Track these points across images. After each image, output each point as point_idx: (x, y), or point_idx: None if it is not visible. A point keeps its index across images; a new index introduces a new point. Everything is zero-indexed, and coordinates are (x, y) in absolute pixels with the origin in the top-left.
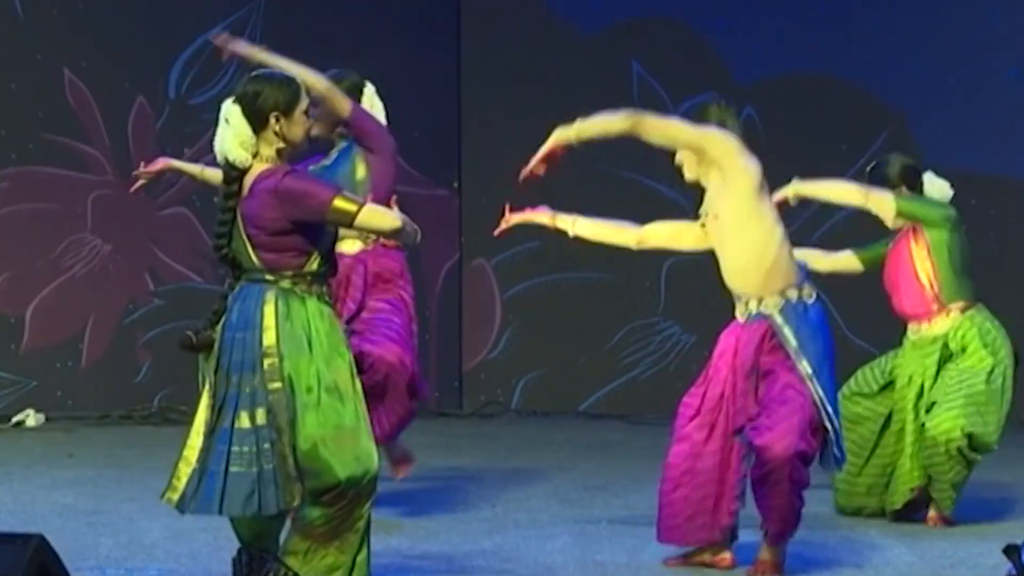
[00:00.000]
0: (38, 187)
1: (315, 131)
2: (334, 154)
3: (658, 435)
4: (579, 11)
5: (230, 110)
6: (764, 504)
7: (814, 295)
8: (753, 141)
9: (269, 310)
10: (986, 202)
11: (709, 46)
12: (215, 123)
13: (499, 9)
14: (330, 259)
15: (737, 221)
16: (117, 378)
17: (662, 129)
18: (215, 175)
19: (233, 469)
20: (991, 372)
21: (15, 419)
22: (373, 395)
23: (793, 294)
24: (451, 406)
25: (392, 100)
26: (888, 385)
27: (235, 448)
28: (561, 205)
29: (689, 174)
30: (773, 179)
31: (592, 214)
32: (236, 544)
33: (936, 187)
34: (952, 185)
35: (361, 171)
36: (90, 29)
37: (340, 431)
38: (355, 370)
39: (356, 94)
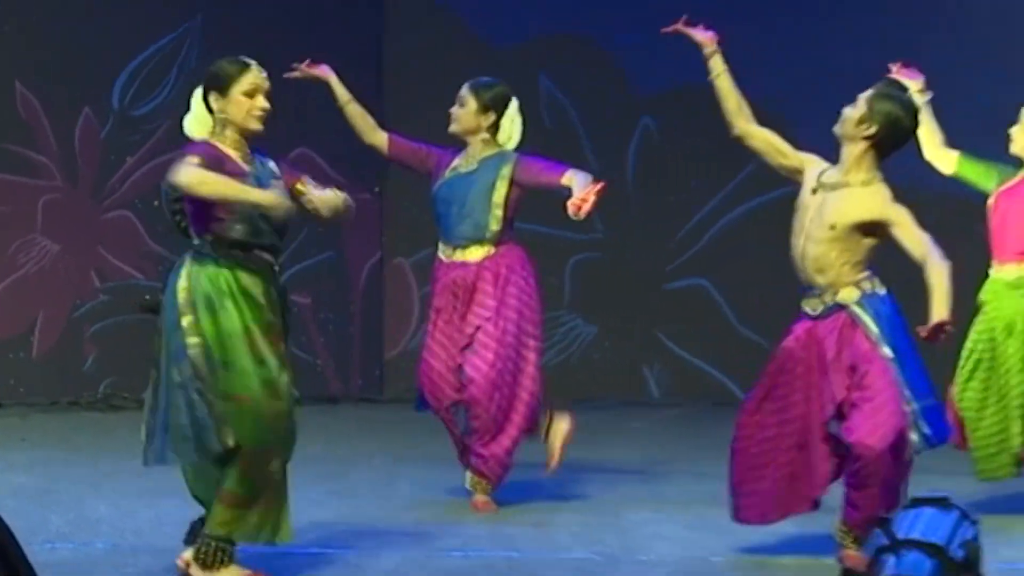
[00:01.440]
0: None
1: None
2: None
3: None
4: (494, 28)
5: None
6: (857, 501)
7: (884, 287)
8: (652, 148)
9: (184, 272)
10: None
11: (612, 61)
12: (156, 132)
13: (420, 25)
14: (257, 228)
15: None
16: (66, 368)
17: None
18: (356, 112)
19: (173, 420)
20: None
21: None
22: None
23: (868, 286)
24: (373, 393)
25: (320, 113)
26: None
27: (172, 400)
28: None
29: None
30: (670, 180)
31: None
32: (177, 521)
33: None
34: None
35: None
36: (39, 45)
37: (244, 394)
38: (280, 336)
39: (501, 106)
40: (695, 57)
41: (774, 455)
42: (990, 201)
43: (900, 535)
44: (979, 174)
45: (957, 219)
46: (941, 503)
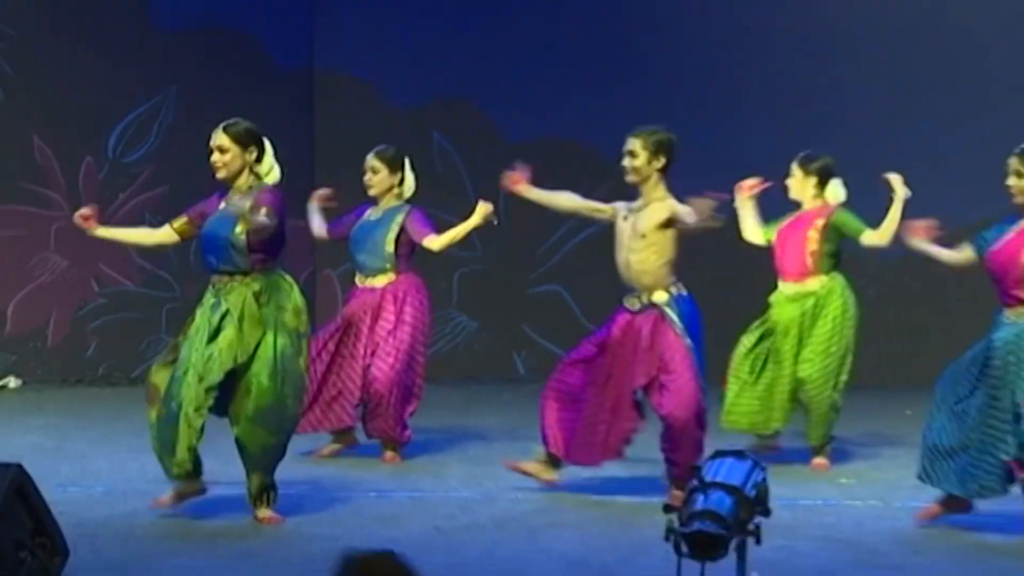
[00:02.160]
0: (15, 219)
1: None
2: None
3: (451, 394)
4: (398, 96)
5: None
6: (673, 458)
7: (686, 290)
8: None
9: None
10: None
11: (487, 119)
12: (141, 175)
13: (343, 95)
14: (205, 259)
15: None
16: (73, 354)
17: None
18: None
19: None
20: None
21: (1, 383)
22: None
23: (674, 289)
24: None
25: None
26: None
27: None
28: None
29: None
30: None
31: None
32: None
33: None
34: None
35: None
36: (52, 108)
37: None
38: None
39: (401, 165)
40: (549, 116)
41: (579, 413)
42: (774, 237)
43: (707, 479)
44: (768, 233)
45: (752, 253)
46: (738, 454)
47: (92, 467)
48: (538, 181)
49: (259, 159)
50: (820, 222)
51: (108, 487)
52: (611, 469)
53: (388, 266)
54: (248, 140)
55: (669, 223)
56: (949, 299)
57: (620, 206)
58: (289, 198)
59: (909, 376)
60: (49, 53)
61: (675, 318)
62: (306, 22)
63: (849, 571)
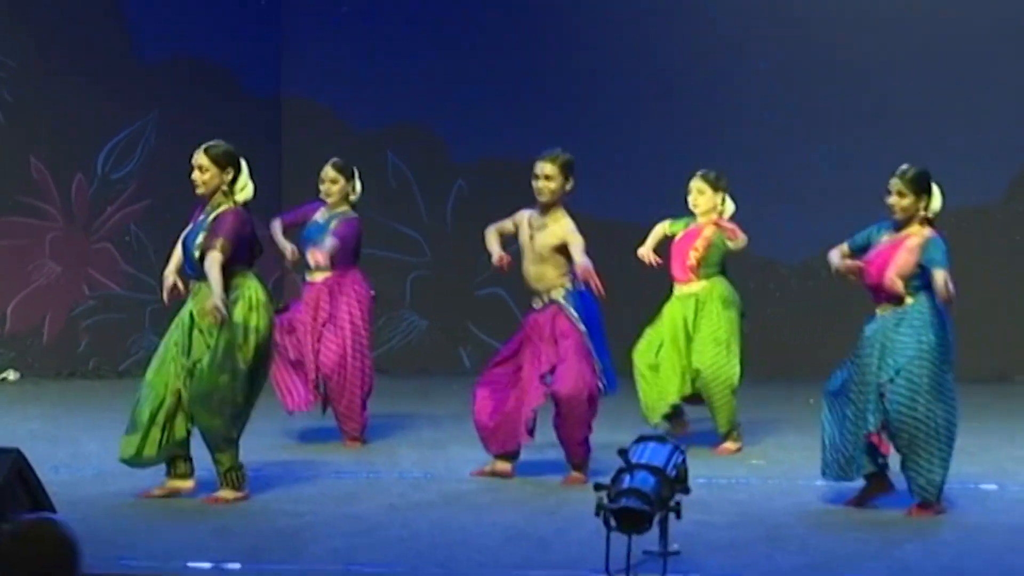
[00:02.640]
0: (14, 230)
1: None
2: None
3: (404, 385)
4: (357, 119)
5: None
6: (566, 438)
7: (580, 285)
8: (463, 200)
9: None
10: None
11: (437, 140)
12: (127, 190)
13: (307, 119)
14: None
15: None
16: (66, 350)
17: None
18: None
19: None
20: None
21: (1, 376)
22: None
23: (569, 286)
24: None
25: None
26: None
27: None
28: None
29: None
30: (476, 222)
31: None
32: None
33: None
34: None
35: None
36: (47, 131)
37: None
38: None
39: (352, 175)
40: (491, 138)
41: (505, 399)
42: (679, 233)
43: (633, 460)
44: (674, 227)
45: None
46: (660, 439)
47: (83, 451)
48: (482, 196)
49: (235, 179)
50: (707, 234)
51: (98, 469)
52: (548, 453)
53: (328, 264)
54: (226, 161)
55: (562, 248)
56: (850, 297)
57: (524, 217)
58: (259, 211)
59: (813, 367)
60: (44, 82)
61: (571, 310)
62: (274, 54)
63: (760, 543)
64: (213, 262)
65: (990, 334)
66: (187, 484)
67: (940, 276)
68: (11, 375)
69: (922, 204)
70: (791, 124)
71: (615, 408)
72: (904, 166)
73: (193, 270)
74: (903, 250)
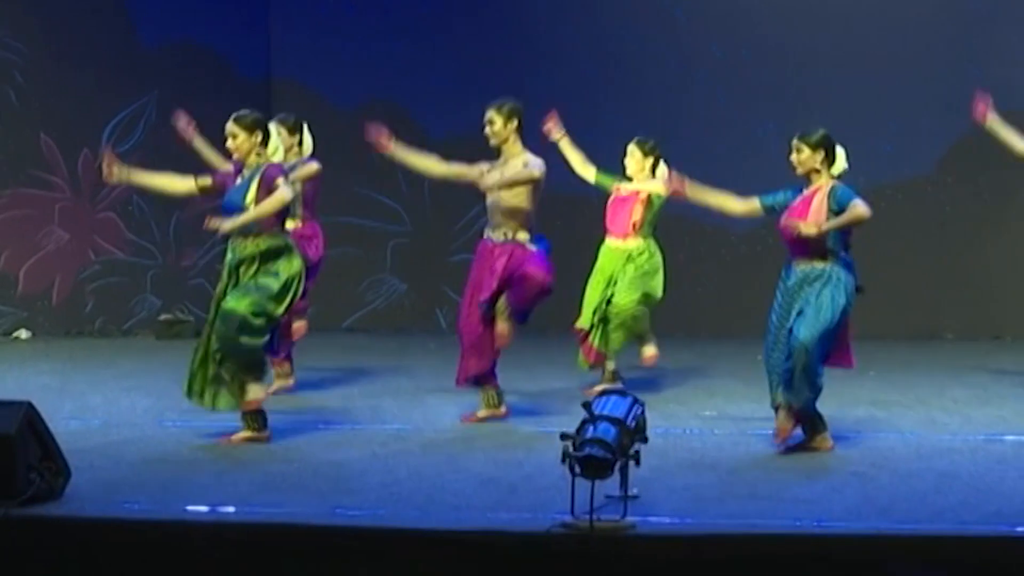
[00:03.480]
0: (27, 200)
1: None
2: None
3: (385, 343)
4: (340, 97)
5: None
6: (512, 297)
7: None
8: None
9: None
10: (572, 218)
11: (411, 117)
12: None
13: (296, 98)
14: None
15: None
16: (73, 311)
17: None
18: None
19: None
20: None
21: (14, 335)
22: None
23: (532, 233)
24: None
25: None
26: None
27: None
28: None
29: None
30: (451, 193)
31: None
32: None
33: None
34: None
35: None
36: (56, 109)
37: None
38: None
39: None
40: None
41: (469, 334)
42: (611, 199)
43: (596, 412)
44: (607, 183)
45: (587, 213)
46: (621, 393)
47: (90, 404)
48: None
49: (264, 142)
50: (644, 197)
51: (103, 420)
52: (519, 405)
53: (297, 213)
54: (254, 126)
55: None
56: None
57: (484, 165)
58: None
59: (760, 327)
60: (54, 65)
61: (533, 248)
62: (264, 39)
63: (712, 487)
64: (280, 197)
65: (922, 296)
66: (263, 434)
67: (858, 204)
68: (23, 334)
69: (819, 158)
70: (740, 103)
71: (574, 360)
72: (806, 130)
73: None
74: (815, 203)
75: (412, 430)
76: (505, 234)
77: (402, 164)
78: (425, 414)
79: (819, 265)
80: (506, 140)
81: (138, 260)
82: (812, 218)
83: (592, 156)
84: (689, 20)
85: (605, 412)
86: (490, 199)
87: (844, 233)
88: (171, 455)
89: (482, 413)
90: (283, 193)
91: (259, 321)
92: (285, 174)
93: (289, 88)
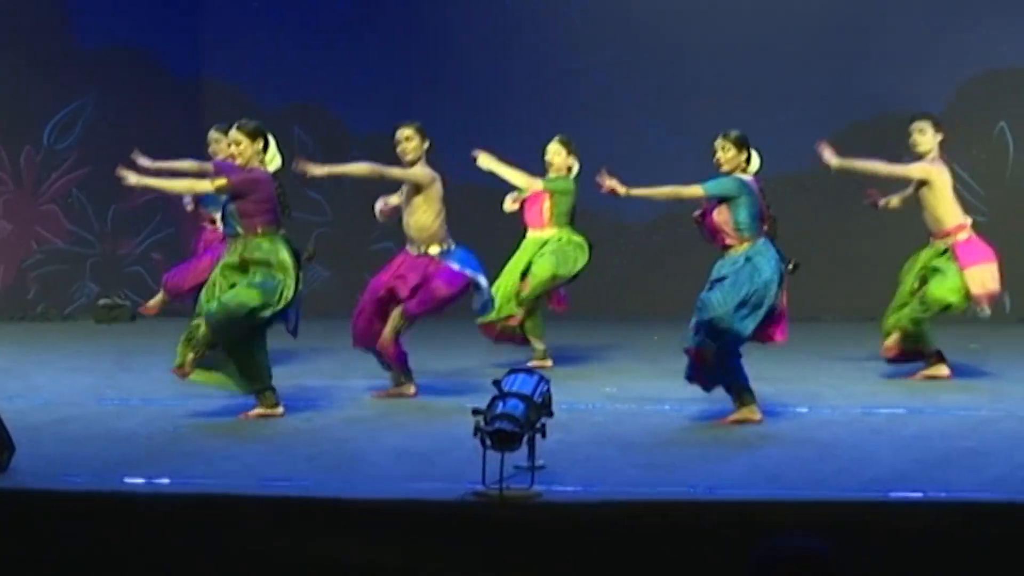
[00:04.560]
0: None
1: None
2: None
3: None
4: (267, 96)
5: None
6: (417, 305)
7: (453, 244)
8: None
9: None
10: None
11: (333, 116)
12: (68, 159)
13: (225, 97)
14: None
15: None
16: (17, 297)
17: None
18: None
19: None
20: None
21: None
22: None
23: (444, 245)
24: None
25: (172, 156)
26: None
27: None
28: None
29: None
30: (370, 184)
31: None
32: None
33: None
34: (457, 195)
35: None
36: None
37: None
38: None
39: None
40: (383, 115)
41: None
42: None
43: (505, 389)
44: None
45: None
46: (529, 371)
47: (34, 383)
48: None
49: (265, 149)
50: (555, 188)
51: (47, 399)
52: (433, 382)
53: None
54: (256, 133)
55: (418, 188)
56: (687, 249)
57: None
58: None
59: (660, 309)
60: None
61: (445, 263)
62: (195, 40)
63: (612, 458)
64: (200, 183)
65: (805, 281)
66: (277, 410)
67: (691, 187)
68: None
69: (743, 157)
70: (636, 101)
71: (490, 342)
72: (727, 130)
73: (228, 227)
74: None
75: (334, 407)
76: (419, 248)
77: (333, 177)
78: (346, 391)
79: (739, 250)
80: (419, 159)
81: (78, 249)
82: (719, 215)
83: (499, 151)
84: (586, 21)
85: (514, 389)
86: (403, 216)
87: (752, 218)
88: (110, 431)
89: (392, 391)
90: (202, 184)
91: (249, 315)
92: (254, 180)
93: (220, 88)
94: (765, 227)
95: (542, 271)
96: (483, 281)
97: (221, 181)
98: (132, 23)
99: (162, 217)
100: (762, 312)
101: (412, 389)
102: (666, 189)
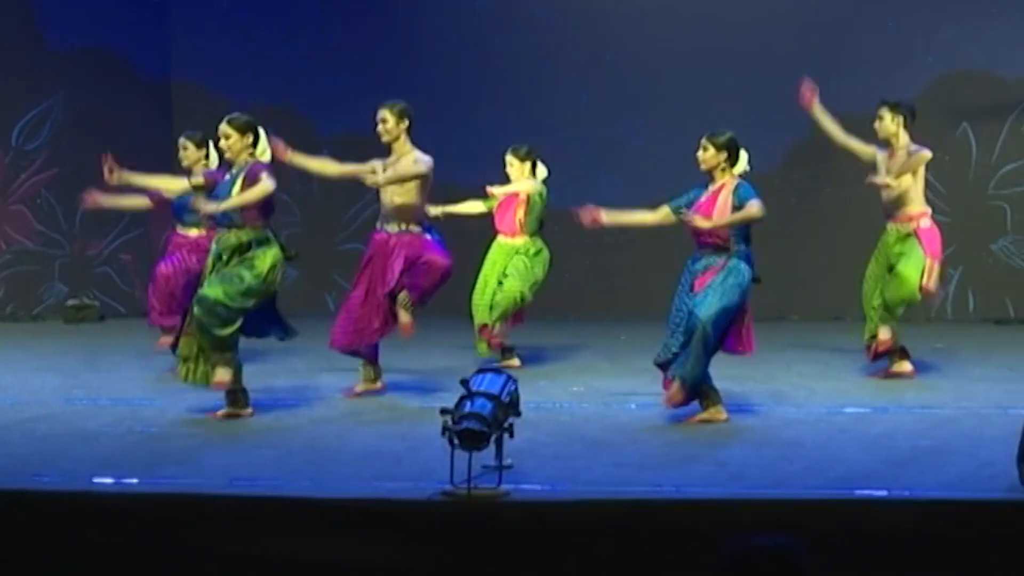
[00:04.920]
0: None
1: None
2: None
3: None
4: (236, 97)
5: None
6: (420, 284)
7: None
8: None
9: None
10: None
11: (303, 115)
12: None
13: (195, 99)
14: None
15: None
16: None
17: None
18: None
19: None
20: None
21: None
22: None
23: (425, 224)
24: None
25: (144, 162)
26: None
27: None
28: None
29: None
30: (340, 186)
31: None
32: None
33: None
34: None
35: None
36: None
37: None
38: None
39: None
40: (352, 116)
41: (358, 311)
42: (495, 205)
43: (473, 388)
44: (489, 203)
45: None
46: (497, 371)
47: (2, 383)
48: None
49: (255, 143)
50: (523, 197)
51: (15, 399)
52: (402, 382)
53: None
54: (245, 128)
55: (415, 176)
56: (653, 247)
57: (377, 163)
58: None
59: (626, 308)
60: None
61: (428, 236)
62: (165, 42)
63: (578, 455)
64: (263, 187)
65: (770, 281)
66: (246, 411)
67: (754, 204)
68: None
69: (722, 157)
70: (604, 104)
71: (458, 341)
72: (714, 131)
73: (225, 219)
74: (720, 199)
75: (303, 405)
76: (399, 226)
77: (301, 168)
78: (316, 390)
79: (721, 256)
80: (397, 138)
81: (47, 250)
82: (718, 213)
83: (469, 151)
84: (556, 24)
85: (481, 388)
86: (383, 195)
87: (743, 227)
88: (78, 431)
89: (360, 388)
90: (266, 184)
91: (229, 309)
92: (270, 169)
93: (189, 89)
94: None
95: (512, 287)
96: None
97: (198, 179)
98: (100, 24)
99: (131, 218)
100: (732, 324)
101: (380, 384)
102: (738, 215)
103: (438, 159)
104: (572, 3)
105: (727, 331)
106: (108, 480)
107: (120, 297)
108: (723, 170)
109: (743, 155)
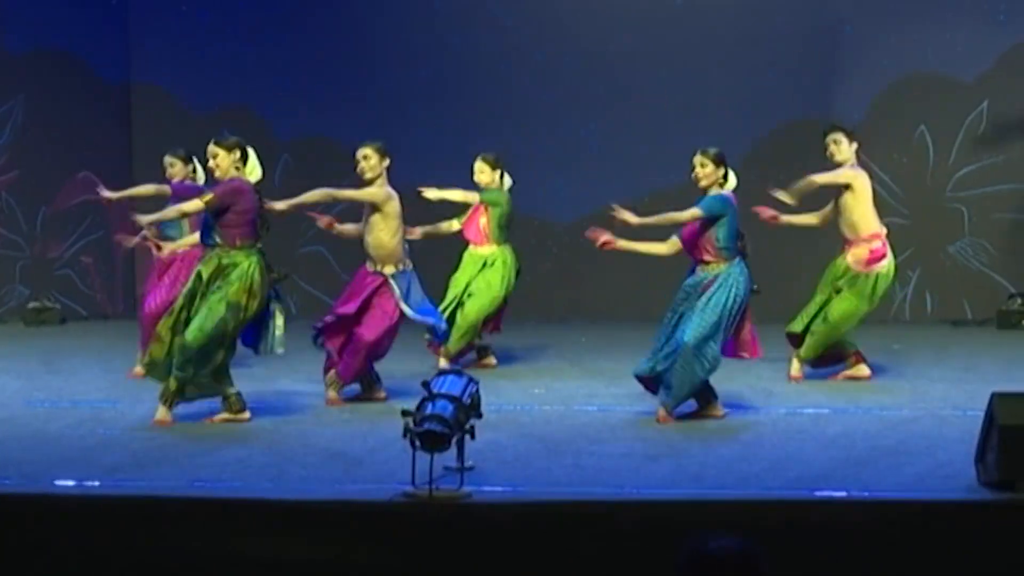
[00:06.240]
0: None
1: None
2: None
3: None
4: (195, 100)
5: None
6: (343, 365)
7: (411, 264)
8: (288, 173)
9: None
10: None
11: (262, 120)
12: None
13: (154, 102)
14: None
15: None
16: None
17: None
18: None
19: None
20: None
21: None
22: None
23: (400, 266)
24: (130, 312)
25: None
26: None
27: None
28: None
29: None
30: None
31: None
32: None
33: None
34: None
35: None
36: None
37: None
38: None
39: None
40: (310, 119)
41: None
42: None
43: (434, 390)
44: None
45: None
46: (458, 372)
47: None
48: (303, 168)
49: (243, 160)
50: (483, 205)
51: None
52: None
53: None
54: (233, 146)
55: (375, 207)
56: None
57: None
58: (110, 184)
59: (585, 310)
60: None
61: (395, 288)
62: (124, 44)
63: (540, 458)
64: (190, 204)
65: None
66: (243, 415)
67: (690, 210)
68: None
69: (720, 172)
70: (563, 106)
71: (423, 345)
72: (705, 147)
73: (206, 236)
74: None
75: (266, 408)
76: (375, 265)
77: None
78: (278, 394)
79: (715, 269)
80: (379, 176)
81: (7, 252)
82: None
83: (432, 152)
84: (515, 27)
85: (443, 390)
86: (364, 233)
87: (731, 241)
88: (39, 433)
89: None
90: (194, 202)
91: (208, 343)
92: (238, 189)
93: (148, 92)
94: (740, 244)
95: (474, 308)
96: (432, 319)
97: (208, 196)
98: (60, 27)
99: (92, 220)
100: (731, 333)
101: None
102: (665, 216)
103: (396, 159)
104: (530, 4)
105: (726, 343)
106: (70, 482)
107: (81, 300)
108: (720, 185)
109: (731, 172)
